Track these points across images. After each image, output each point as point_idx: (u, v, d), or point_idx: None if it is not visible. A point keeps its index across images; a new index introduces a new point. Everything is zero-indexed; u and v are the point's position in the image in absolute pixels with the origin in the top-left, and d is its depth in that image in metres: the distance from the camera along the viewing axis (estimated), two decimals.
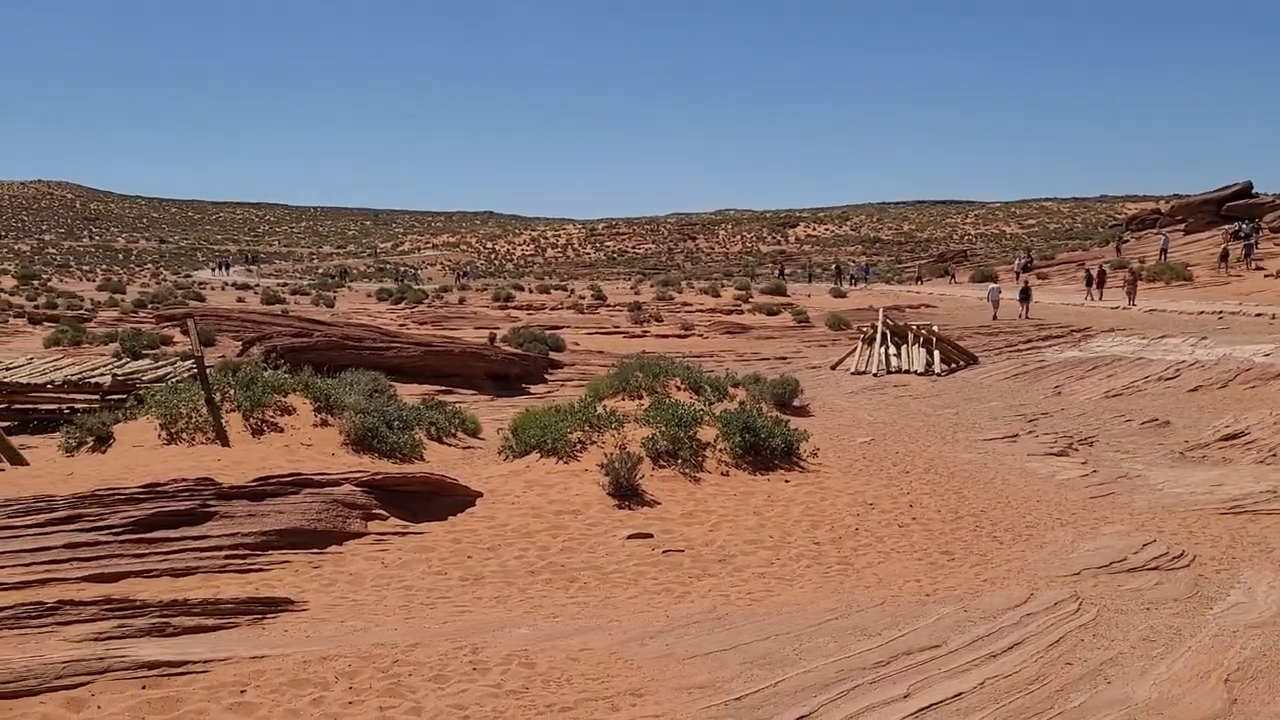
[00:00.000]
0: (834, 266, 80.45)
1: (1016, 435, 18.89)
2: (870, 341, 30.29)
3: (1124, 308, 41.51)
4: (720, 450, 13.93)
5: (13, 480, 12.60)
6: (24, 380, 19.34)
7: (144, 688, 6.06)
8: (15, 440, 14.97)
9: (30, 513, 9.86)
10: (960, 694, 6.42)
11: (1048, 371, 27.64)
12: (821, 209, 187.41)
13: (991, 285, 47.90)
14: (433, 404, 19.26)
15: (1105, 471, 15.60)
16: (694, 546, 10.75)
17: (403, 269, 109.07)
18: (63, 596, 7.69)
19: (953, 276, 69.43)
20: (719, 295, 57.15)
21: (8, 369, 20.64)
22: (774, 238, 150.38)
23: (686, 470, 13.30)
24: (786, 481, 13.58)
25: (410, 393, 21.31)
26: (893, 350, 29.48)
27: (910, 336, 30.08)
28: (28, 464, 14.01)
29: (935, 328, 31.73)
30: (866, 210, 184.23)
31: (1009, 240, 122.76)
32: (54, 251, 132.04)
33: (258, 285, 72.24)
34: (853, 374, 28.43)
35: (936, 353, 29.23)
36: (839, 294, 56.92)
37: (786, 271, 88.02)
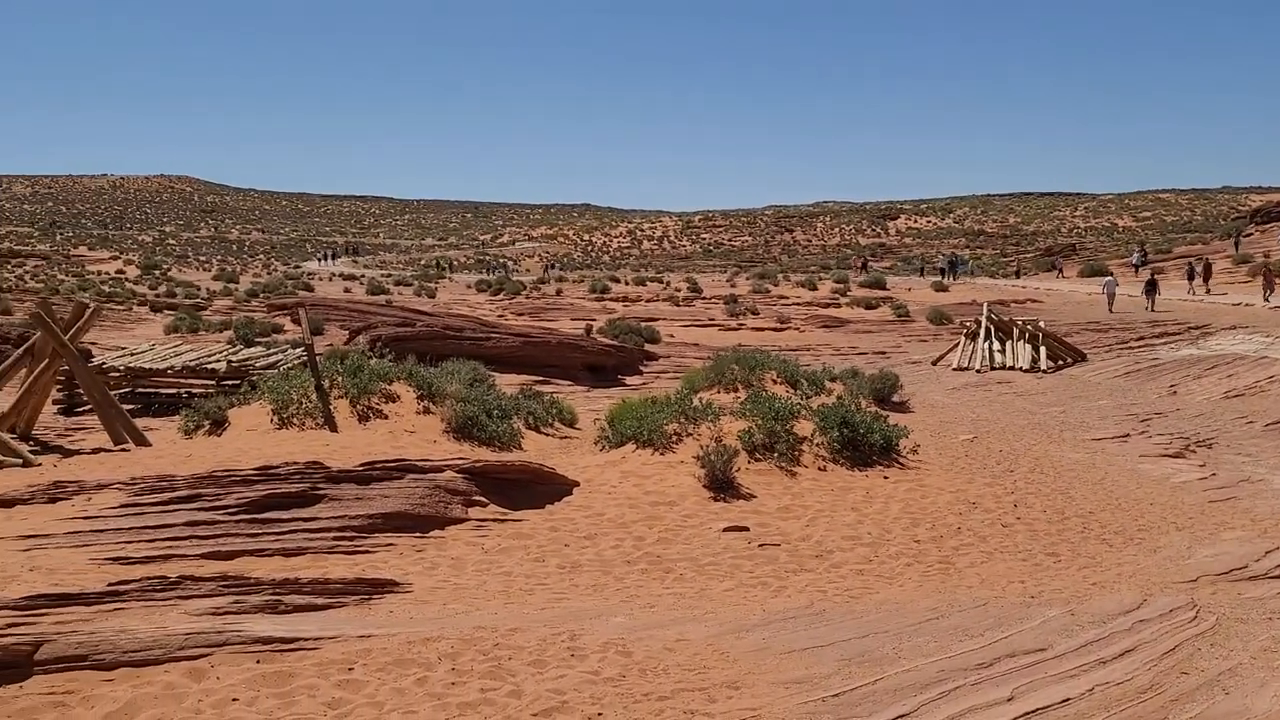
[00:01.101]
0: (946, 260, 78.46)
1: (1128, 435, 18.22)
2: (973, 337, 29.57)
3: (1259, 304, 39.40)
4: (817, 445, 13.80)
5: (137, 460, 13.29)
6: (147, 365, 20.29)
7: (258, 662, 6.32)
8: (138, 422, 15.76)
9: (154, 491, 10.39)
10: (1068, 700, 6.23)
11: (1162, 370, 26.55)
12: (923, 201, 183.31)
13: (1107, 278, 46.11)
14: (530, 394, 19.53)
15: (1225, 475, 14.94)
16: (790, 541, 10.68)
17: (493, 260, 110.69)
18: (184, 572, 8.06)
19: (1059, 271, 67.09)
20: (816, 288, 56.43)
21: (132, 354, 21.70)
22: (873, 230, 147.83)
23: (783, 464, 13.22)
24: (885, 478, 13.37)
25: (508, 382, 21.66)
26: (996, 346, 28.73)
27: (1015, 332, 29.26)
28: (150, 444, 14.75)
29: (1042, 323, 30.80)
30: (970, 202, 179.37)
31: (1121, 234, 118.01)
32: (174, 243, 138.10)
33: (363, 276, 74.29)
34: (954, 370, 27.79)
35: (1043, 349, 28.37)
36: (940, 288, 55.64)
37: (870, 265, 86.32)
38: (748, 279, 67.00)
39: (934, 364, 29.43)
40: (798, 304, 47.77)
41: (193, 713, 5.60)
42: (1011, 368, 27.35)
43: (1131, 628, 7.68)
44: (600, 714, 5.76)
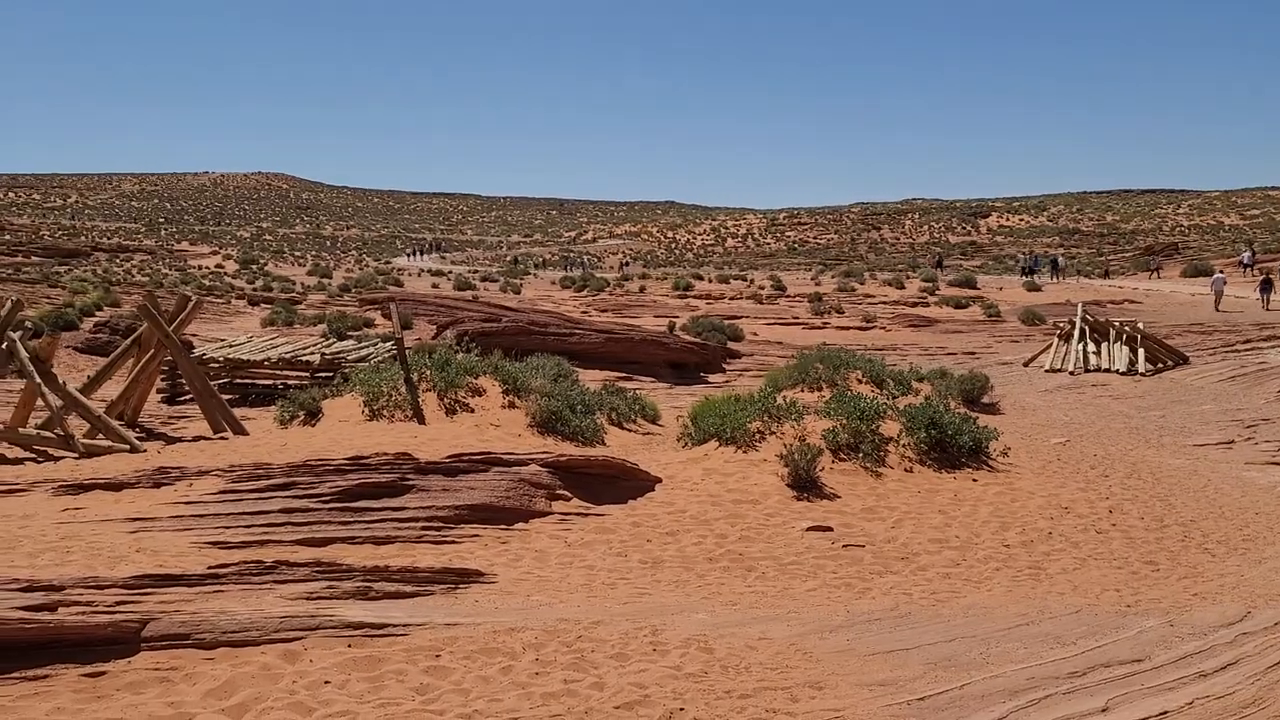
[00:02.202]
0: (1030, 259, 76.14)
1: (1232, 442, 17.51)
2: (1067, 338, 28.73)
3: None
4: (904, 446, 13.58)
5: (235, 448, 13.76)
6: (245, 357, 21.00)
7: (349, 646, 6.49)
8: (236, 412, 16.31)
9: (251, 479, 10.76)
10: (1165, 713, 6.02)
11: (1271, 374, 25.41)
12: (1016, 198, 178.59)
13: (1215, 275, 44.21)
14: (613, 390, 19.65)
15: None
16: (875, 542, 10.54)
17: (572, 257, 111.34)
18: (279, 557, 8.32)
19: (1156, 271, 64.56)
20: (903, 287, 55.48)
21: (231, 346, 22.47)
22: (963, 228, 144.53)
23: (868, 465, 13.04)
24: (974, 480, 13.09)
25: (591, 378, 21.82)
26: (1092, 347, 27.85)
27: (1112, 333, 28.32)
28: (247, 434, 15.26)
29: (1140, 324, 29.77)
30: (1065, 199, 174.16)
31: (1227, 232, 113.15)
32: (270, 238, 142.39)
33: (450, 272, 75.59)
34: (1047, 371, 27.06)
35: (1141, 351, 27.42)
36: (1033, 288, 54.16)
37: (945, 263, 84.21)
38: (833, 277, 66.22)
39: (1025, 365, 28.69)
40: (884, 303, 47.04)
41: (287, 693, 5.78)
42: (1107, 370, 26.49)
43: (1234, 640, 7.38)
44: (682, 709, 5.77)
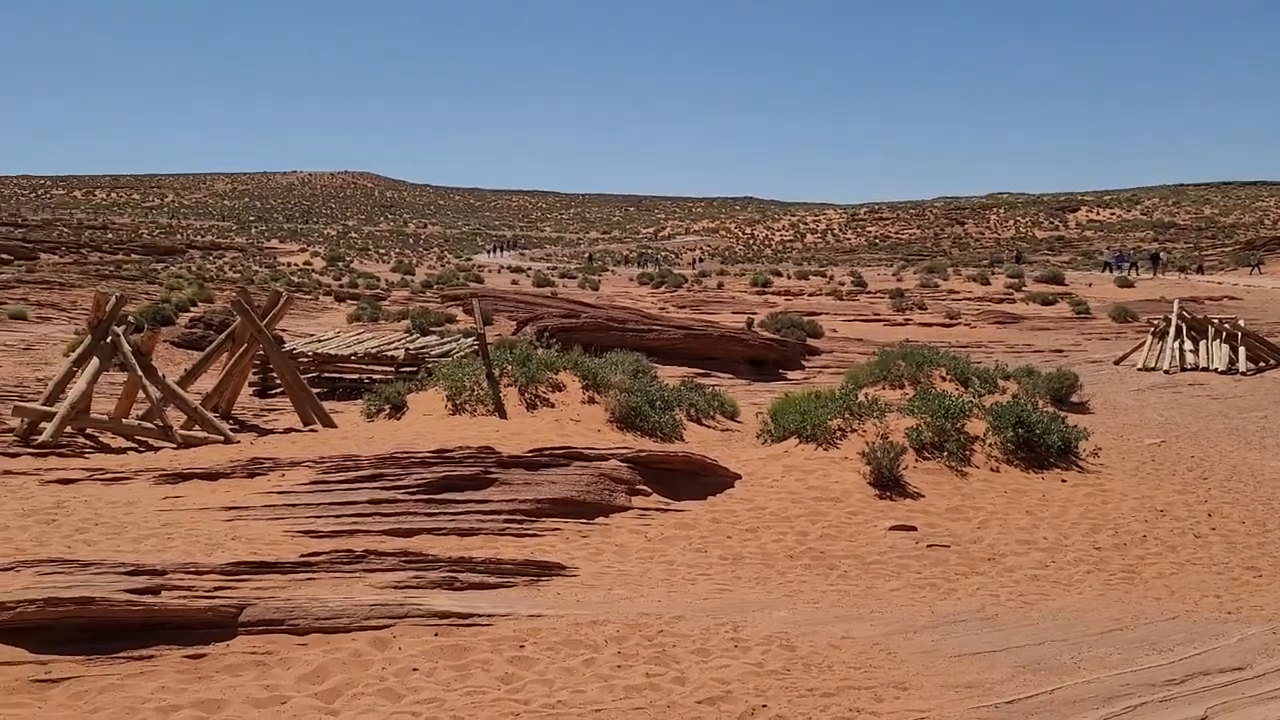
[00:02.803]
0: (1113, 255, 73.56)
1: None
2: (1161, 335, 27.79)
3: None
4: (990, 445, 13.31)
5: (324, 440, 14.14)
6: (333, 351, 21.55)
7: (436, 635, 6.63)
8: (324, 405, 16.75)
9: (340, 470, 11.05)
10: None
11: None
12: (1107, 192, 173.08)
13: None
14: (692, 386, 19.66)
15: None
16: (960, 543, 10.35)
17: (646, 253, 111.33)
18: (368, 547, 8.54)
19: (1258, 267, 61.90)
20: (988, 283, 54.29)
21: (319, 341, 23.08)
22: (1051, 223, 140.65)
23: (953, 464, 12.81)
24: (1063, 481, 12.77)
25: (670, 374, 21.84)
26: (1189, 345, 26.89)
27: (1211, 331, 27.30)
28: (336, 426, 15.66)
29: (1241, 322, 28.64)
30: (1160, 193, 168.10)
31: None
32: (356, 236, 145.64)
33: (529, 268, 76.37)
34: (1140, 370, 26.23)
35: (1242, 349, 26.39)
36: (1124, 284, 52.50)
37: (1025, 258, 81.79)
38: (915, 273, 65.17)
39: (1117, 364, 27.85)
40: (968, 299, 46.12)
41: (377, 679, 5.93)
42: (1205, 369, 25.57)
43: None
44: (764, 705, 5.76)
